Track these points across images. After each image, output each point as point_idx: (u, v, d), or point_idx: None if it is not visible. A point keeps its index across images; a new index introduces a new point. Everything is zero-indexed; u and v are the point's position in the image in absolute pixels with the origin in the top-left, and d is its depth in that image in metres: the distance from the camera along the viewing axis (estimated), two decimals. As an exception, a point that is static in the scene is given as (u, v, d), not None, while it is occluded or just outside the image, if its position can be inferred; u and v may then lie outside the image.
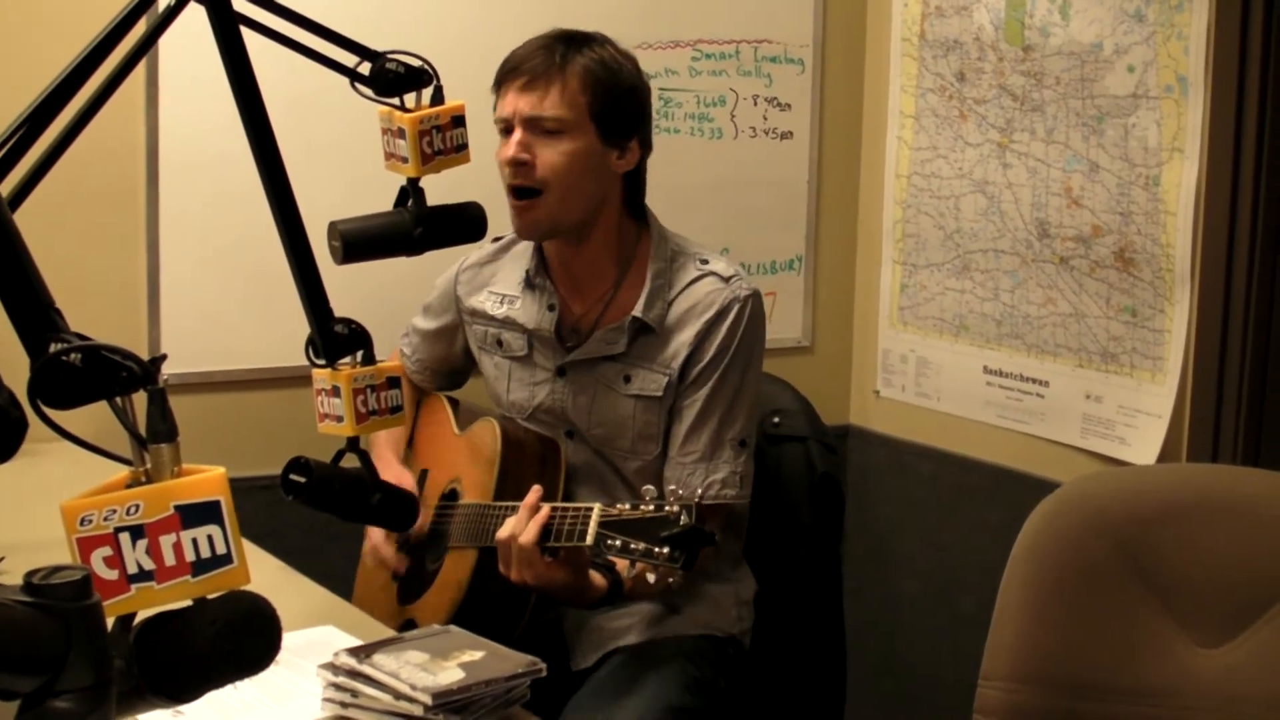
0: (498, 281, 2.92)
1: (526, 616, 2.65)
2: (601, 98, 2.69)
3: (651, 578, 2.30)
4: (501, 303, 2.88)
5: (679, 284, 2.78)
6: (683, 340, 2.74)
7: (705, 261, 2.80)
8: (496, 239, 2.93)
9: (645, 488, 2.36)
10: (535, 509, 2.47)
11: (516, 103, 2.68)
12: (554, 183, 2.67)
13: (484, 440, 2.77)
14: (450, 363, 3.04)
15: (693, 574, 2.74)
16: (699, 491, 2.54)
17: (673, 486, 2.35)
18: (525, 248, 2.88)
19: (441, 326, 3.00)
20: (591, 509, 2.38)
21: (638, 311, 2.74)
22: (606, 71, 2.71)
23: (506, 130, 2.70)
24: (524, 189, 2.68)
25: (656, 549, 2.27)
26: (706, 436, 2.72)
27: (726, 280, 2.77)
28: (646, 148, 2.80)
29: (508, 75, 2.71)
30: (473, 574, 2.66)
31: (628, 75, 2.75)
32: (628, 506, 2.34)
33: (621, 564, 2.53)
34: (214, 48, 1.88)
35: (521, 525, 2.46)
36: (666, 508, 2.29)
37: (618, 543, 2.31)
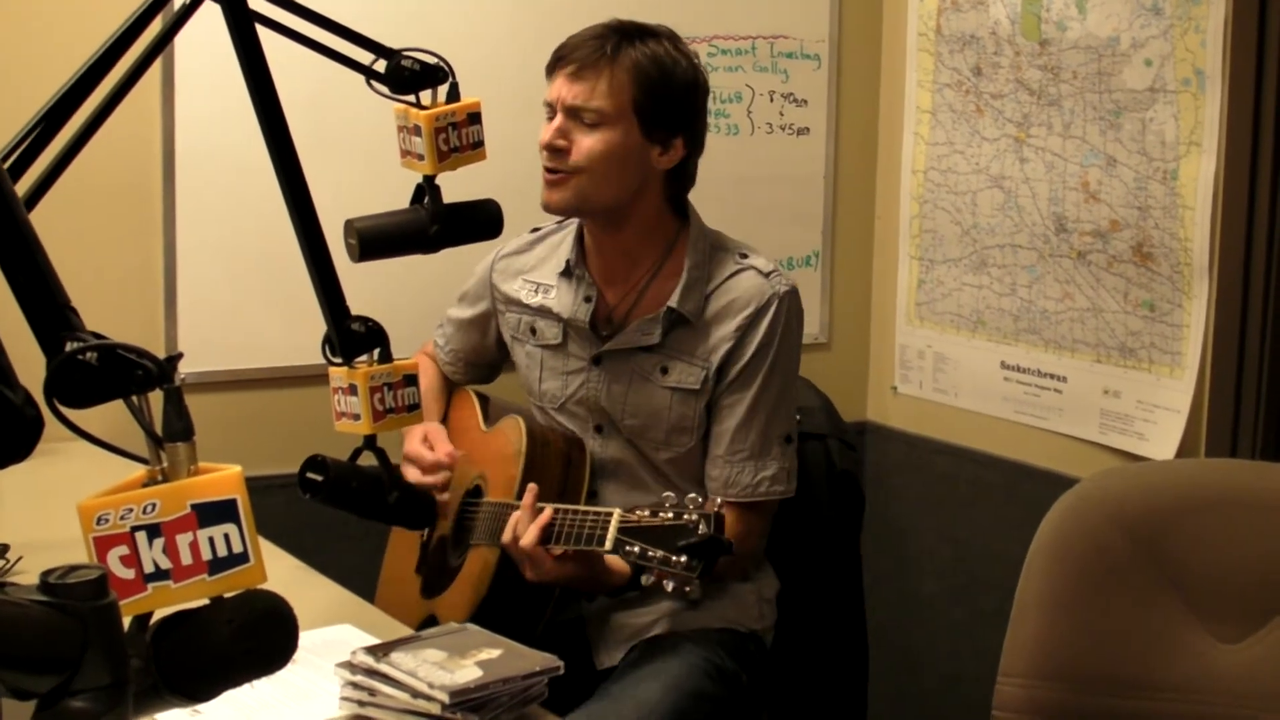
0: (533, 270, 2.93)
1: (547, 615, 2.66)
2: (647, 93, 2.69)
3: (669, 586, 2.30)
4: (536, 291, 2.89)
5: (718, 277, 2.78)
6: (722, 335, 2.74)
7: (745, 256, 2.80)
8: (535, 229, 2.95)
9: (665, 494, 2.37)
10: (534, 510, 2.51)
11: (561, 90, 2.70)
12: (586, 168, 2.68)
13: (509, 438, 2.77)
14: (483, 354, 3.05)
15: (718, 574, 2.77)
16: (749, 487, 2.70)
17: (693, 495, 2.35)
18: (562, 238, 2.89)
19: (476, 315, 3.01)
20: (611, 514, 2.38)
21: (673, 302, 2.74)
22: (657, 68, 2.70)
23: (552, 114, 2.72)
24: (557, 170, 2.70)
25: (674, 557, 2.29)
26: (756, 435, 2.73)
27: (766, 275, 2.77)
28: (694, 146, 2.79)
29: (558, 62, 2.73)
30: (495, 573, 2.67)
31: (681, 74, 2.74)
32: (647, 513, 2.35)
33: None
34: (229, 46, 1.88)
35: (524, 527, 2.50)
36: (685, 516, 2.30)
37: (636, 549, 2.33)
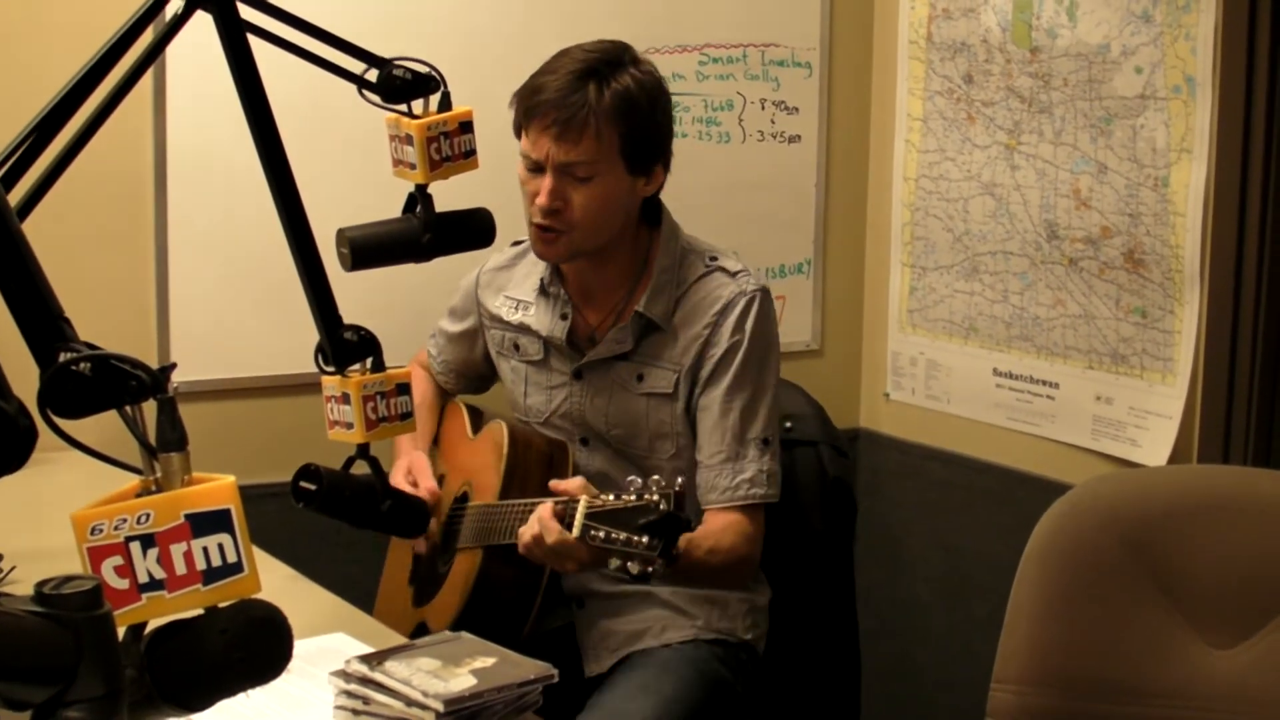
0: (513, 287, 2.93)
1: (533, 616, 2.67)
2: (631, 133, 2.67)
3: (634, 569, 2.31)
4: (516, 308, 2.89)
5: (686, 280, 2.78)
6: (691, 336, 2.75)
7: (714, 259, 2.81)
8: (517, 242, 2.95)
9: (630, 478, 2.37)
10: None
11: (550, 148, 2.64)
12: (584, 223, 2.68)
13: (493, 442, 2.78)
14: (473, 366, 3.05)
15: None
16: (728, 490, 2.69)
17: (655, 477, 2.35)
18: None
19: (464, 330, 3.02)
20: (578, 501, 2.39)
21: (640, 307, 2.74)
22: (634, 105, 2.67)
23: (536, 169, 2.68)
24: (552, 228, 2.68)
25: (635, 537, 2.30)
26: (730, 436, 2.72)
27: (733, 275, 2.77)
28: (668, 166, 2.78)
29: (538, 115, 2.66)
30: (478, 574, 2.68)
31: (653, 102, 2.71)
32: (612, 497, 2.37)
33: None
34: (221, 55, 1.88)
35: (535, 526, 2.46)
36: (645, 496, 2.31)
37: (602, 533, 2.34)
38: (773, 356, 2.80)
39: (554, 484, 2.49)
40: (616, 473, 2.79)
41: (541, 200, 2.66)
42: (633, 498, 2.34)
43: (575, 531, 2.38)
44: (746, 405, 2.73)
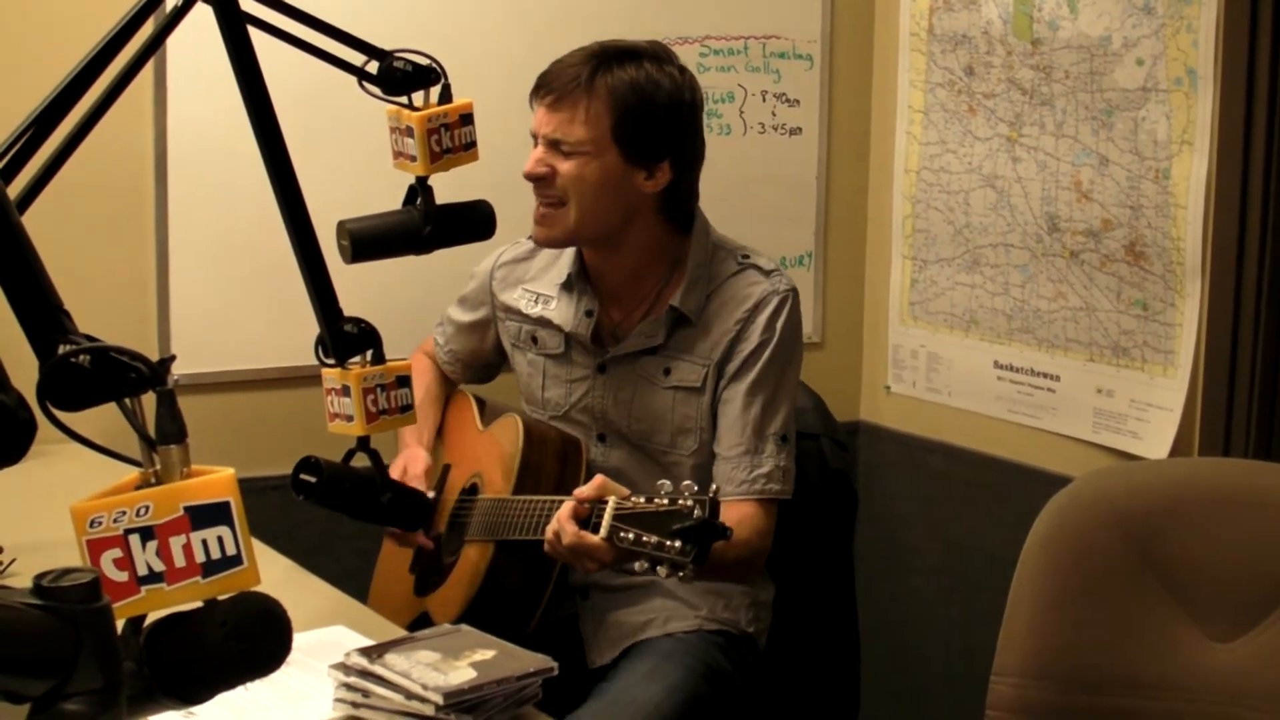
0: (533, 280, 2.92)
1: (540, 612, 2.66)
2: (627, 121, 2.66)
3: (663, 572, 2.29)
4: (536, 302, 2.88)
5: (719, 277, 2.78)
6: (721, 331, 2.74)
7: (746, 256, 2.80)
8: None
9: (660, 482, 2.36)
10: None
11: (541, 120, 2.68)
12: (572, 194, 2.67)
13: (506, 436, 2.77)
14: (481, 357, 3.05)
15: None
16: (745, 484, 2.67)
17: (688, 482, 2.34)
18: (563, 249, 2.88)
19: (475, 320, 3.01)
20: (606, 501, 2.37)
21: (674, 301, 2.73)
22: (637, 94, 2.66)
23: (537, 144, 2.71)
24: (544, 197, 2.70)
25: (668, 542, 2.28)
26: (750, 429, 2.72)
27: (767, 274, 2.77)
28: (685, 165, 2.76)
29: (537, 90, 2.71)
30: (488, 568, 2.67)
31: (663, 97, 2.69)
32: (642, 500, 2.34)
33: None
34: (222, 47, 1.88)
35: (555, 525, 2.43)
36: (680, 501, 2.29)
37: (630, 535, 2.32)
38: (797, 356, 2.81)
39: (579, 492, 2.45)
40: (633, 470, 2.78)
41: (527, 166, 2.68)
42: (665, 501, 2.32)
43: (602, 532, 2.36)
44: (768, 401, 2.73)
